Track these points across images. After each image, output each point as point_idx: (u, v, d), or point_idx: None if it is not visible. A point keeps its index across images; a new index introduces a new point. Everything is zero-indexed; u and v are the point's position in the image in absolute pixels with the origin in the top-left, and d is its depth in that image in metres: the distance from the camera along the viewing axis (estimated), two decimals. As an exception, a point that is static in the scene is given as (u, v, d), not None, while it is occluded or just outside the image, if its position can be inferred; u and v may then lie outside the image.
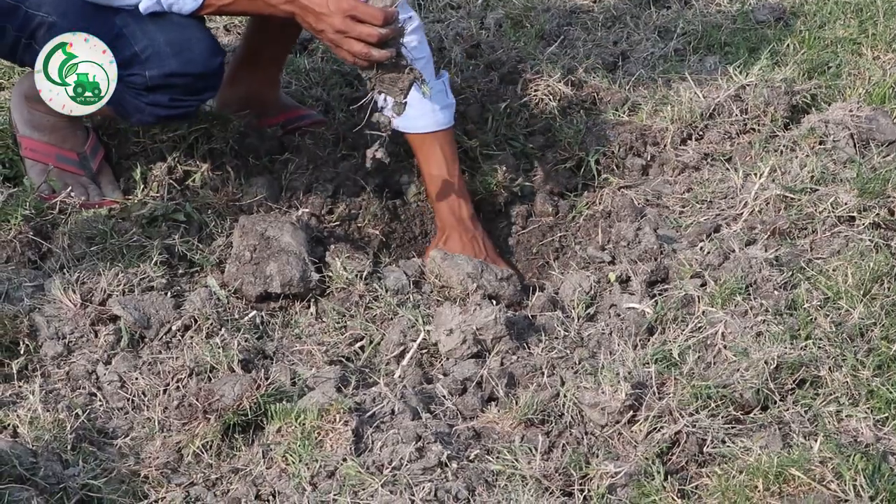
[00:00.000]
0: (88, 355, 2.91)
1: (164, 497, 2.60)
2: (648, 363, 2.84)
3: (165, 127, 3.56)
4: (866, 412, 2.73)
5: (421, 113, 3.33)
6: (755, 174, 3.54)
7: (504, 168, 3.66)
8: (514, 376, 2.89)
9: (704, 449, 2.66)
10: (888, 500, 2.48)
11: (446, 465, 2.61)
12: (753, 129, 3.81)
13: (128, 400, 2.83)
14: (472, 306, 3.00)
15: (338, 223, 3.52)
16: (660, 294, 3.13)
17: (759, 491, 2.49)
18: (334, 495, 2.56)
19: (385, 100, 3.08)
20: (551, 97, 3.94)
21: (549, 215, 3.66)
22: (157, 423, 2.75)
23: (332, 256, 3.25)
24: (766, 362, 2.79)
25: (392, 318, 3.10)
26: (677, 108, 3.85)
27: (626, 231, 3.37)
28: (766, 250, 3.18)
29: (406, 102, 3.04)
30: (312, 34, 3.11)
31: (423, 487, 2.56)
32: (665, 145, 3.78)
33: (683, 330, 2.97)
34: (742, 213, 3.40)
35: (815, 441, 2.61)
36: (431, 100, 3.33)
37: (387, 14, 2.95)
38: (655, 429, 2.70)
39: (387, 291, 3.17)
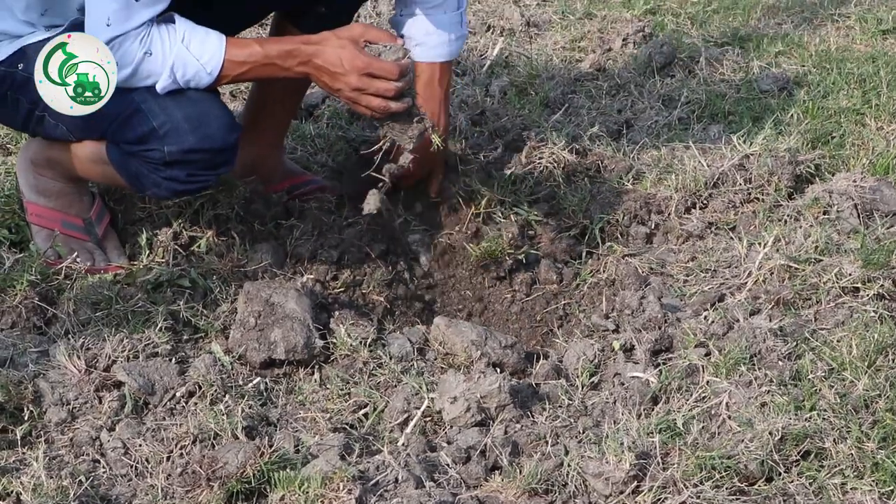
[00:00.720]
0: (92, 421, 2.90)
1: (167, 566, 2.59)
2: (652, 433, 2.83)
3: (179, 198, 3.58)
4: (871, 485, 2.71)
5: (439, 42, 3.31)
6: (759, 244, 3.54)
7: (508, 235, 3.68)
8: (518, 445, 2.88)
9: (709, 521, 2.66)
10: (893, 574, 2.47)
11: (450, 535, 2.61)
12: (757, 199, 3.82)
13: (131, 467, 2.81)
14: (476, 374, 3.00)
15: (342, 290, 3.53)
16: (664, 363, 3.13)
17: (764, 564, 2.49)
18: (337, 565, 2.55)
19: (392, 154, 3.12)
20: (556, 165, 3.96)
21: (554, 283, 3.67)
22: (160, 491, 2.73)
23: (336, 323, 3.25)
24: (770, 433, 2.78)
25: (396, 386, 3.09)
26: (681, 177, 3.87)
27: (630, 299, 3.37)
28: (770, 320, 3.19)
29: (409, 154, 3.09)
30: (328, 93, 3.12)
31: (427, 558, 2.55)
32: (669, 214, 3.80)
33: (688, 399, 2.96)
34: (746, 283, 3.41)
35: (820, 514, 2.61)
36: (447, 29, 3.37)
37: (402, 68, 3.00)
38: (659, 500, 2.68)
39: (391, 358, 3.17)
